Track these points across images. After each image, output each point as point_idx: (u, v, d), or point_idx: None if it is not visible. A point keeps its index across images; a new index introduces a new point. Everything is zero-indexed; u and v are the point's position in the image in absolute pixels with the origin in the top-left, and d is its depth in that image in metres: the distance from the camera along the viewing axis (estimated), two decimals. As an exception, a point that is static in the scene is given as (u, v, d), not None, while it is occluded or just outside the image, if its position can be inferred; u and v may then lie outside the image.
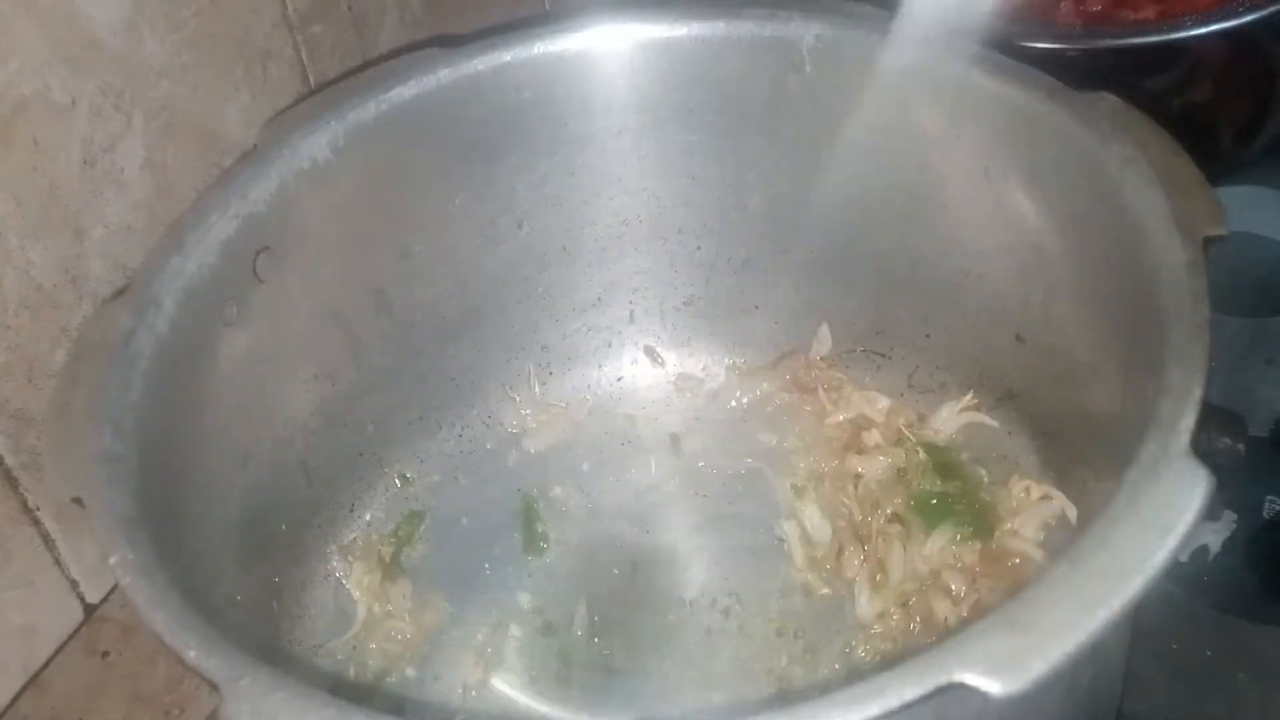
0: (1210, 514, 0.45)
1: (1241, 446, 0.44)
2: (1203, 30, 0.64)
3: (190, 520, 0.49)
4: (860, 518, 0.62)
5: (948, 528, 0.60)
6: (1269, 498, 0.63)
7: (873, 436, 0.65)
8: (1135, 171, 0.49)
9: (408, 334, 0.64)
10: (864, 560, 0.61)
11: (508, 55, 0.60)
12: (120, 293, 0.53)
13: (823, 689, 0.34)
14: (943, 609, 0.58)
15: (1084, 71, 0.55)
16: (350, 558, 0.63)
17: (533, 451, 0.69)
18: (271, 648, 0.56)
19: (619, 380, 0.71)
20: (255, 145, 0.57)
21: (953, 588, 0.58)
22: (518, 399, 0.70)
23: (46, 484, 0.55)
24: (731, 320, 0.70)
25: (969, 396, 0.64)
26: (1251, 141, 0.75)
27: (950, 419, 0.64)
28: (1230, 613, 0.59)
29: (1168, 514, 0.37)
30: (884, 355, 0.68)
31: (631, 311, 0.70)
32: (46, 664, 0.58)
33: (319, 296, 0.59)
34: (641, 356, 0.72)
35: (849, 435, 0.66)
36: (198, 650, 0.38)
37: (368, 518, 0.65)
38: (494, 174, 0.63)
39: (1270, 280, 0.68)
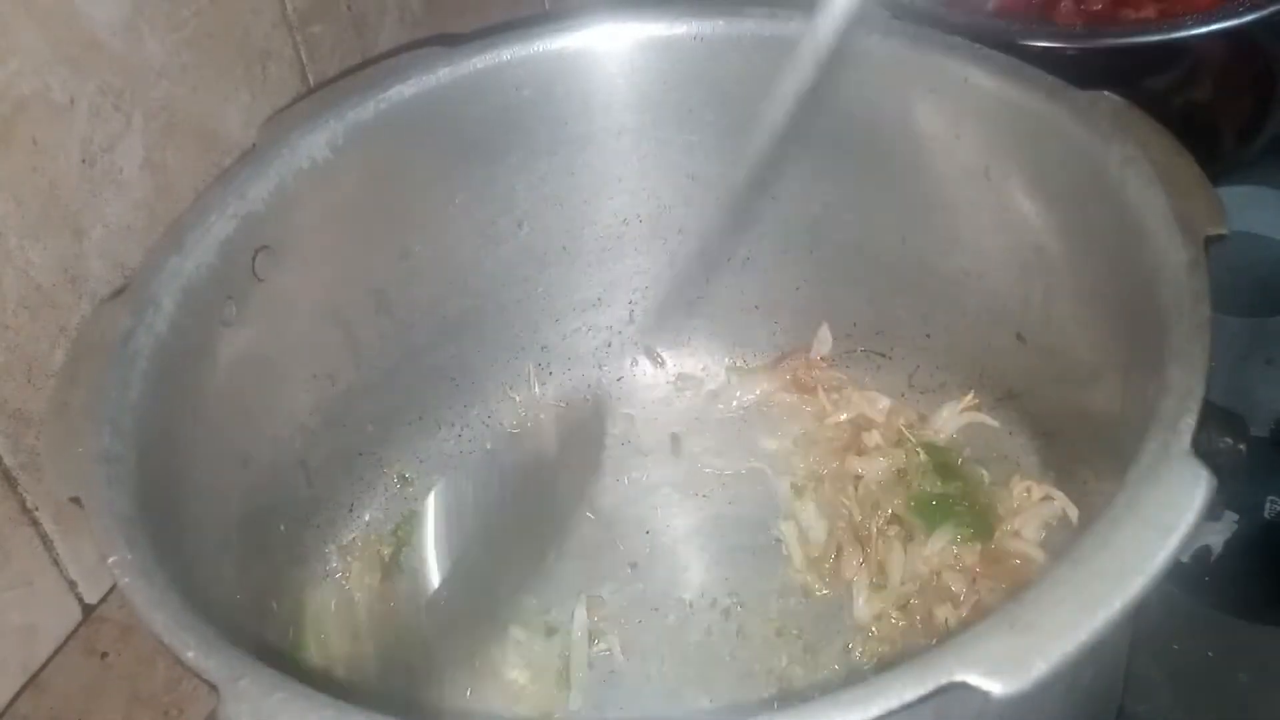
0: (1211, 514, 0.45)
1: (1242, 447, 0.44)
2: (1204, 30, 0.64)
3: (189, 520, 0.49)
4: (859, 519, 0.62)
5: (948, 529, 0.60)
6: (1270, 498, 0.63)
7: (873, 437, 0.65)
8: (1136, 171, 0.49)
9: (407, 334, 0.64)
10: (863, 562, 0.61)
11: (507, 54, 0.60)
12: (119, 292, 0.53)
13: (823, 689, 0.34)
14: (943, 610, 0.58)
15: (1085, 71, 0.55)
16: (350, 558, 0.63)
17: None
18: (270, 648, 0.56)
19: (619, 380, 0.71)
20: (254, 144, 0.57)
21: (953, 589, 0.58)
22: (518, 399, 0.70)
23: (45, 484, 0.55)
24: (731, 320, 0.70)
25: (970, 396, 0.64)
26: (1252, 141, 0.75)
27: (951, 419, 0.64)
28: (1231, 613, 0.59)
29: (1169, 514, 0.36)
30: (884, 355, 0.68)
31: (631, 311, 0.70)
32: (45, 664, 0.58)
33: (318, 296, 0.59)
34: (641, 357, 0.71)
35: (849, 436, 0.66)
36: (196, 650, 0.38)
37: (367, 518, 0.65)
38: (494, 173, 0.63)
39: (1271, 280, 0.68)
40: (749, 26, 0.60)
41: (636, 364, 0.71)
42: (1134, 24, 0.72)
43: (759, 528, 0.64)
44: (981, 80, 0.56)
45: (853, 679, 0.34)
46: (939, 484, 0.62)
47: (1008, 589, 0.58)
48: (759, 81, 0.61)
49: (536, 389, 0.70)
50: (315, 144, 0.57)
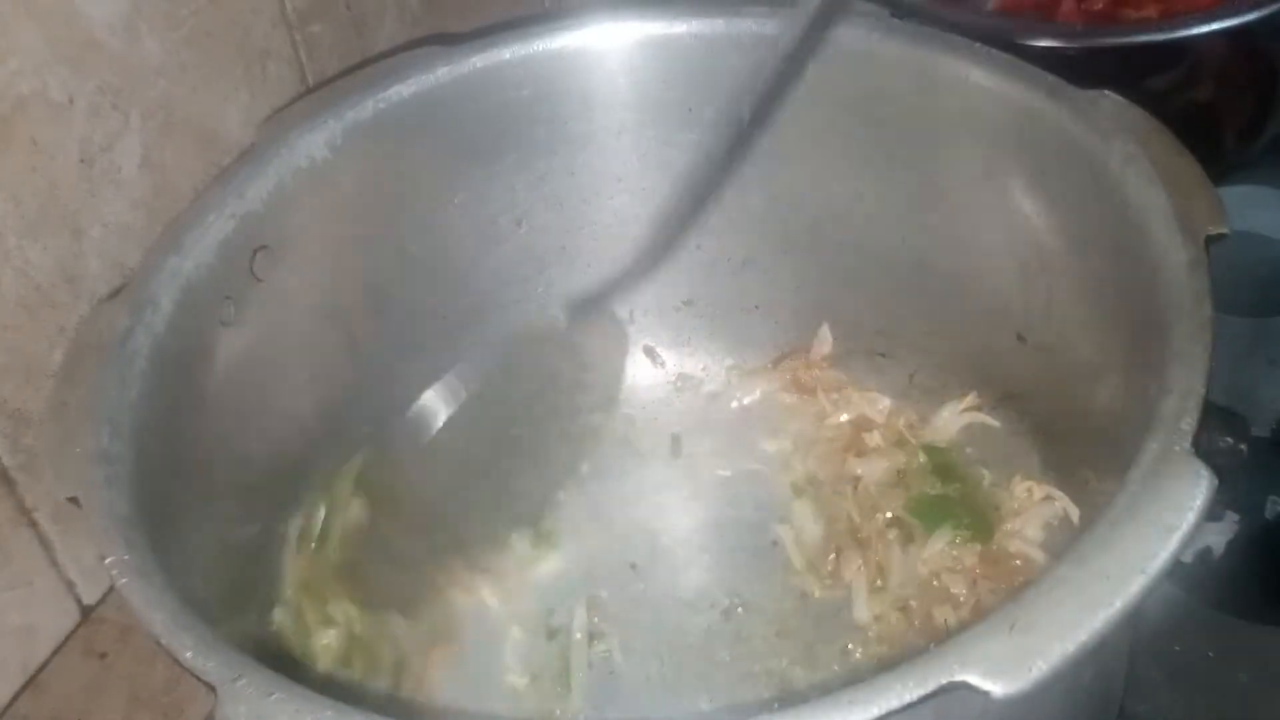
0: (1212, 514, 0.45)
1: (1243, 447, 0.44)
2: (1205, 29, 0.64)
3: (188, 520, 0.49)
4: (858, 520, 0.62)
5: (947, 530, 0.60)
6: (1271, 498, 0.63)
7: (873, 438, 0.65)
8: (1137, 170, 0.49)
9: (407, 334, 0.64)
10: (862, 563, 0.61)
11: (507, 53, 0.60)
12: (118, 292, 0.52)
13: (823, 690, 0.34)
14: (942, 611, 0.58)
15: (1085, 70, 0.55)
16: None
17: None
18: (269, 648, 0.56)
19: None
20: (253, 144, 0.57)
21: (953, 590, 0.58)
22: (517, 399, 0.70)
23: (44, 484, 0.55)
24: (731, 320, 0.70)
25: (970, 396, 0.64)
26: (1253, 141, 0.75)
27: (952, 419, 0.64)
28: (1232, 613, 0.59)
29: (1170, 514, 0.36)
30: (885, 355, 0.68)
31: (631, 311, 0.70)
32: (45, 665, 0.58)
33: (317, 296, 0.59)
34: (641, 357, 0.71)
35: (849, 436, 0.65)
36: (194, 651, 0.38)
37: (367, 518, 0.65)
38: (493, 173, 0.63)
39: (1272, 280, 0.68)
40: (749, 26, 0.60)
41: (636, 364, 0.71)
42: (1135, 23, 0.72)
43: (759, 529, 0.64)
44: (981, 80, 0.56)
45: (852, 680, 0.34)
46: (939, 485, 0.62)
47: (1008, 590, 0.58)
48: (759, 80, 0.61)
49: (536, 389, 0.70)
50: (314, 143, 0.57)
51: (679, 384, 0.71)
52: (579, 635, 0.60)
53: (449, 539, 0.62)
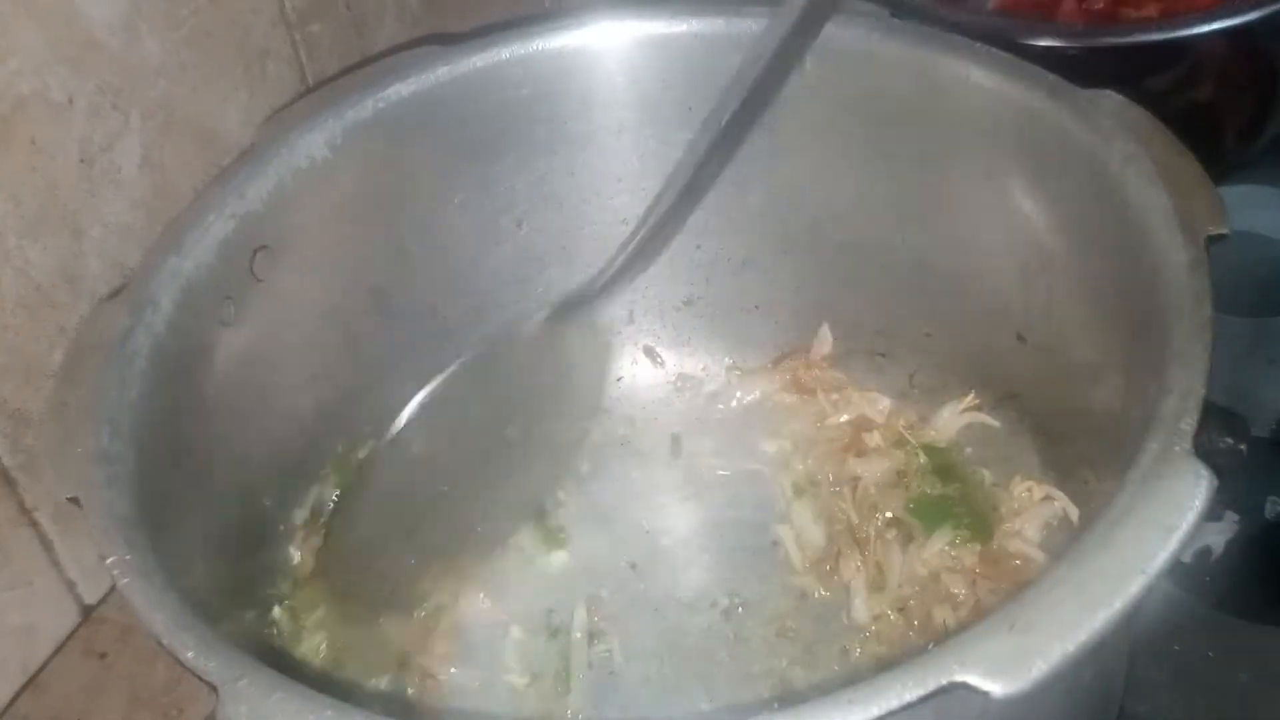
0: (1212, 514, 0.45)
1: (1243, 447, 0.44)
2: (1205, 29, 0.64)
3: (188, 520, 0.49)
4: (857, 521, 0.62)
5: (946, 530, 0.60)
6: (1271, 498, 0.63)
7: (873, 438, 0.65)
8: (1137, 170, 0.49)
9: (407, 334, 0.64)
10: (862, 563, 0.61)
11: (506, 53, 0.60)
12: (118, 292, 0.52)
13: (823, 690, 0.34)
14: (941, 612, 0.58)
15: (1086, 69, 0.55)
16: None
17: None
18: (270, 648, 0.56)
19: (619, 380, 0.71)
20: (253, 144, 0.57)
21: (953, 590, 0.58)
22: (517, 399, 0.70)
23: (44, 484, 0.55)
24: (731, 320, 0.70)
25: (970, 396, 0.64)
26: (1254, 140, 0.75)
27: (952, 419, 0.64)
28: (1232, 613, 0.59)
29: (1169, 514, 0.36)
30: (885, 355, 0.68)
31: (631, 311, 0.70)
32: (45, 664, 0.58)
33: (317, 296, 0.59)
34: (641, 357, 0.71)
35: (849, 437, 0.65)
36: (195, 651, 0.38)
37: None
38: (493, 173, 0.63)
39: (1272, 280, 0.68)
40: (749, 25, 0.60)
41: (637, 364, 0.71)
42: (1135, 23, 0.72)
43: (759, 529, 0.64)
44: (982, 80, 0.56)
45: (852, 680, 0.34)
46: (938, 485, 0.62)
47: (1008, 590, 0.58)
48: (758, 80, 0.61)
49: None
50: (314, 143, 0.57)
51: (679, 384, 0.71)
52: (579, 635, 0.60)
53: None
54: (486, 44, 0.60)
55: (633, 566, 0.64)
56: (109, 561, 0.41)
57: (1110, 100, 0.52)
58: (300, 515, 0.61)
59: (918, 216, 0.62)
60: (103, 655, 0.59)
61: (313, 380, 0.61)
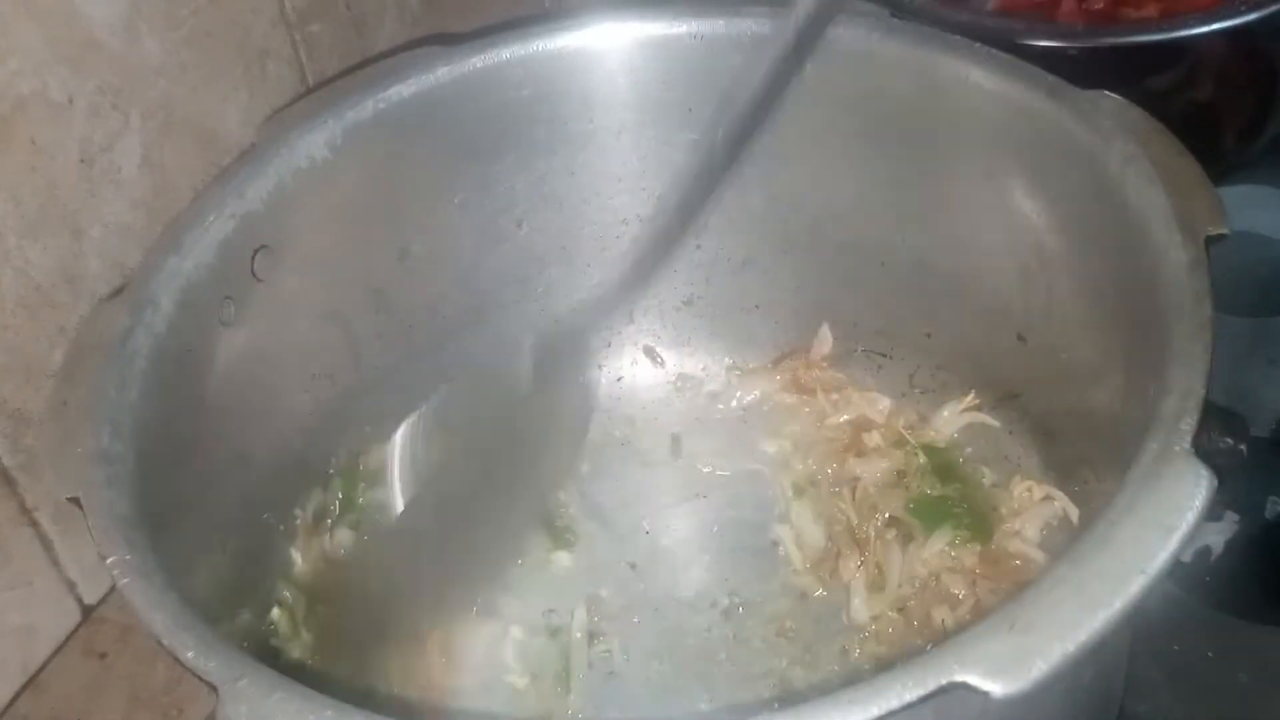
0: (1212, 514, 0.45)
1: (1243, 447, 0.44)
2: (1205, 29, 0.64)
3: (188, 521, 0.49)
4: (857, 521, 0.62)
5: (946, 530, 0.60)
6: (1271, 498, 0.63)
7: (873, 438, 0.65)
8: (1137, 170, 0.49)
9: (407, 334, 0.64)
10: (861, 563, 0.61)
11: (506, 53, 0.60)
12: (118, 292, 0.53)
13: (823, 690, 0.34)
14: (941, 612, 0.58)
15: (1085, 70, 0.55)
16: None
17: (532, 452, 0.68)
18: (270, 648, 0.56)
19: (619, 380, 0.71)
20: (253, 144, 0.57)
21: (952, 590, 0.58)
22: (517, 399, 0.70)
23: (44, 484, 0.55)
24: (731, 320, 0.70)
25: (970, 396, 0.64)
26: (1253, 140, 0.75)
27: (952, 419, 0.64)
28: (1232, 613, 0.59)
29: (1169, 515, 0.36)
30: (885, 355, 0.68)
31: (631, 311, 0.70)
32: (45, 664, 0.58)
33: (317, 296, 0.59)
34: (641, 357, 0.71)
35: (849, 437, 0.65)
36: (195, 651, 0.38)
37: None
38: (493, 173, 0.63)
39: (1272, 280, 0.68)
40: (749, 25, 0.60)
41: (636, 364, 0.71)
42: (1135, 23, 0.72)
43: (759, 529, 0.64)
44: (981, 80, 0.56)
45: (852, 680, 0.34)
46: (938, 485, 0.62)
47: (1007, 590, 0.58)
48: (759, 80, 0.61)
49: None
50: (314, 143, 0.57)
51: (679, 384, 0.71)
52: (579, 635, 0.60)
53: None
54: (487, 44, 0.60)
55: (633, 566, 0.64)
56: (109, 562, 0.41)
57: (1110, 101, 0.52)
58: (301, 517, 0.61)
59: (918, 216, 0.62)
60: (103, 655, 0.59)
61: (313, 380, 0.61)
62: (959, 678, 0.33)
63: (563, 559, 0.64)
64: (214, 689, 0.37)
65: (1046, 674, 0.33)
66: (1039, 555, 0.58)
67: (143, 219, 0.58)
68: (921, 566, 0.60)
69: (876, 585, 0.60)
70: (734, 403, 0.70)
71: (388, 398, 0.64)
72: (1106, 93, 0.52)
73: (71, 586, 0.59)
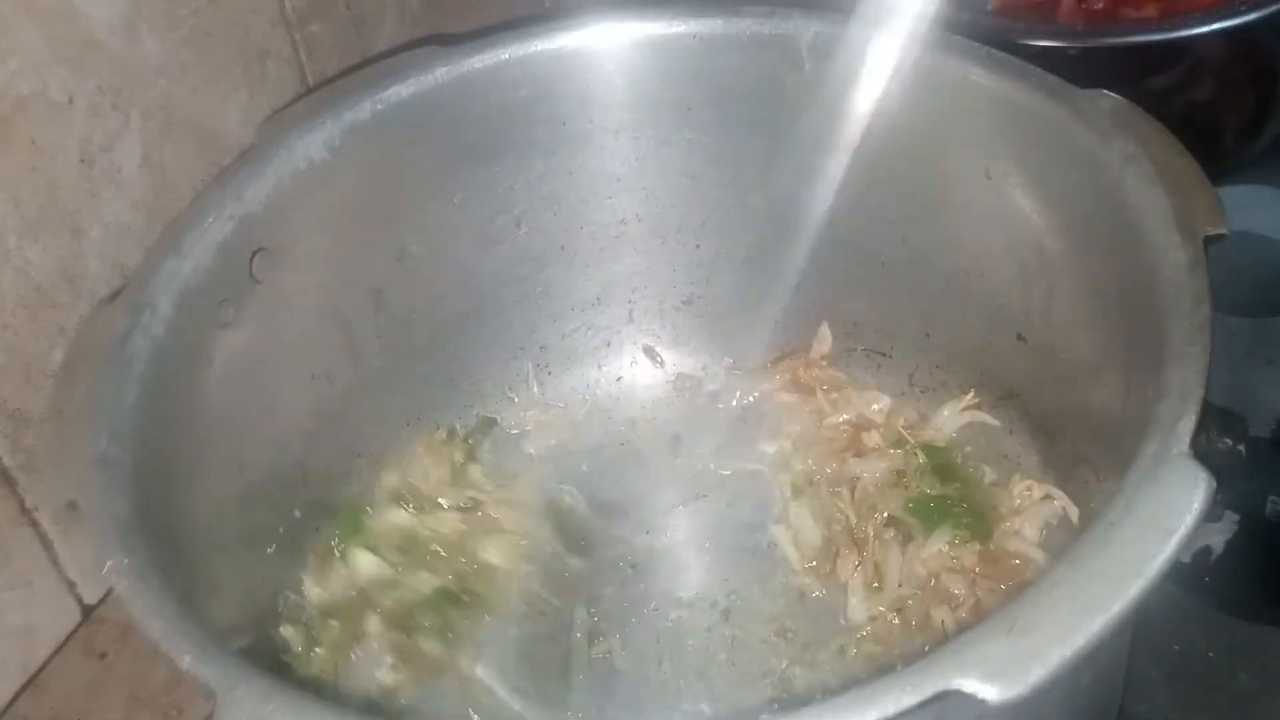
0: (1211, 515, 0.45)
1: (1242, 447, 0.44)
2: (1205, 29, 0.64)
3: (186, 524, 0.49)
4: (856, 521, 0.62)
5: (945, 530, 0.59)
6: (1270, 498, 0.63)
7: (872, 438, 0.64)
8: (1136, 170, 0.49)
9: (406, 334, 0.64)
10: (859, 564, 0.60)
11: (505, 54, 0.60)
12: (117, 294, 0.53)
13: (822, 691, 0.34)
14: (939, 612, 0.57)
15: (1085, 70, 0.55)
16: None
17: (532, 453, 0.68)
18: (268, 653, 0.56)
19: (618, 380, 0.71)
20: (253, 144, 0.57)
21: (952, 590, 0.58)
22: (516, 399, 0.70)
23: (44, 485, 0.55)
24: (731, 320, 0.70)
25: (970, 396, 0.64)
26: (1253, 141, 0.75)
27: (951, 418, 0.64)
28: (1232, 614, 0.59)
29: (1168, 516, 0.36)
30: (885, 354, 0.68)
31: (630, 311, 0.70)
32: (45, 664, 0.58)
33: (316, 297, 0.59)
34: (641, 356, 0.71)
35: (849, 436, 0.65)
36: (193, 656, 0.38)
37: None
38: (492, 173, 0.63)
39: (1272, 280, 0.68)
40: (748, 25, 0.60)
41: (636, 364, 0.71)
42: (1135, 23, 0.72)
43: (758, 529, 0.64)
44: (981, 80, 0.56)
45: (847, 681, 0.34)
46: (938, 485, 0.62)
47: (1007, 589, 0.58)
48: (758, 80, 0.61)
49: (535, 389, 0.70)
50: (313, 145, 0.57)
51: (679, 384, 0.71)
52: (579, 635, 0.60)
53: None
54: (486, 45, 0.60)
55: (633, 566, 0.64)
56: (107, 565, 0.41)
57: (1109, 101, 0.52)
58: (302, 519, 0.61)
59: (917, 217, 0.62)
60: (103, 655, 0.59)
61: (313, 381, 0.60)
62: (955, 683, 0.33)
63: (563, 559, 0.64)
64: (212, 694, 0.37)
65: (1044, 679, 0.33)
66: (1038, 554, 0.58)
67: (143, 219, 0.58)
68: (921, 566, 0.60)
69: (875, 585, 0.60)
70: (734, 402, 0.70)
71: (386, 399, 0.64)
72: (1106, 93, 0.52)
73: (71, 586, 0.59)
